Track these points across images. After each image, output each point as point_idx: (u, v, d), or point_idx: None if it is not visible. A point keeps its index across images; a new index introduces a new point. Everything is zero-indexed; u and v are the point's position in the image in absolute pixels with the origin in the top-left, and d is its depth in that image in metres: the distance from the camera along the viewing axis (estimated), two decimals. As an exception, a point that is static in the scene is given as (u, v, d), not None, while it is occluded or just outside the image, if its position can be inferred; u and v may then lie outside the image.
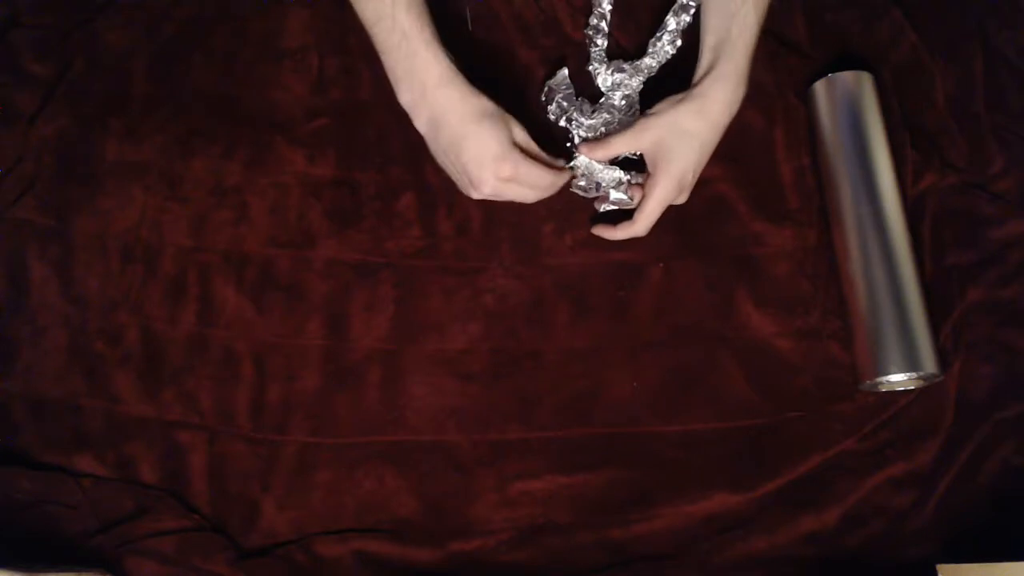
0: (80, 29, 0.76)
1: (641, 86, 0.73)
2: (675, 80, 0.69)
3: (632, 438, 0.66)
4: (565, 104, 0.72)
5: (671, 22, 0.74)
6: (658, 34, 0.74)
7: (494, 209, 0.71)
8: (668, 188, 0.65)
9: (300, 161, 0.72)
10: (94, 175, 0.71)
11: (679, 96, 0.66)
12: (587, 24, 0.76)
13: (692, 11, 0.74)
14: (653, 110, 0.67)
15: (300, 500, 0.64)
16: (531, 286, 0.69)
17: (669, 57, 0.74)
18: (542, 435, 0.66)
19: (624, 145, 0.67)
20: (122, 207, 0.70)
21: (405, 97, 0.63)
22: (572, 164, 0.69)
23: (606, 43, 0.75)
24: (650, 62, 0.73)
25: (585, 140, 0.71)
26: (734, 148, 0.72)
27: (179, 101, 0.74)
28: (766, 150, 0.74)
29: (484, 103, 0.62)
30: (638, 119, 0.67)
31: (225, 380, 0.66)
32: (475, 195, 0.65)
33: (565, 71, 0.74)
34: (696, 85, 0.66)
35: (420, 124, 0.64)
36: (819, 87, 0.73)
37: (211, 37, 0.76)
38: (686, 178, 0.65)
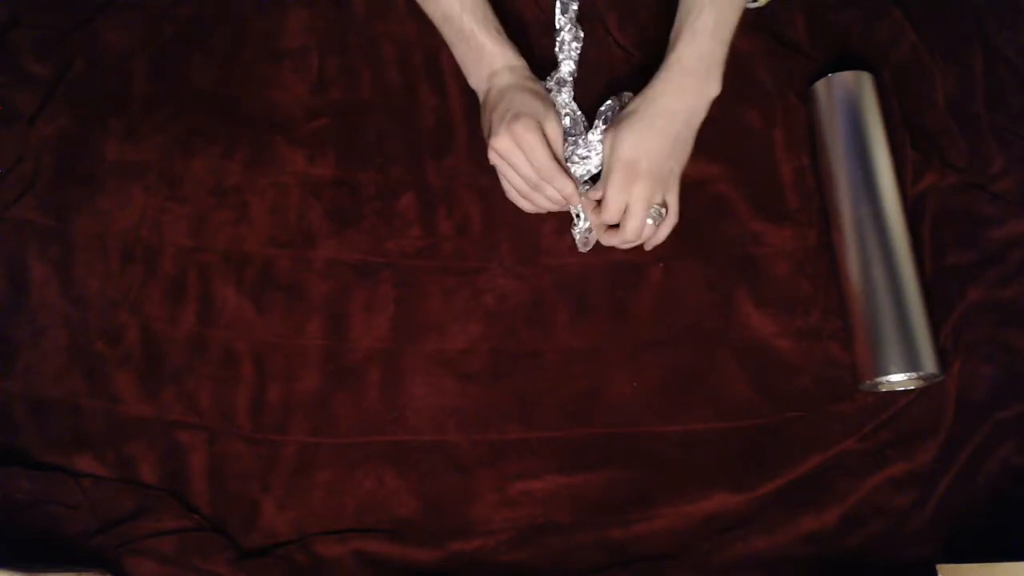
0: (80, 29, 0.76)
1: (572, 97, 0.71)
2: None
3: (632, 438, 0.66)
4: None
5: (560, 19, 0.74)
6: (555, 36, 0.73)
7: (494, 209, 0.71)
8: (619, 177, 0.63)
9: (300, 161, 0.72)
10: (94, 175, 0.71)
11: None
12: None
13: None
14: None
15: (300, 500, 0.64)
16: (531, 286, 0.69)
17: (580, 49, 0.73)
18: (542, 435, 0.66)
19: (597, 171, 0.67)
20: (122, 207, 0.70)
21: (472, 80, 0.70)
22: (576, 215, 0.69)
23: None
24: (567, 68, 0.72)
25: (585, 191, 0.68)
26: (734, 148, 0.72)
27: (179, 101, 0.74)
28: (766, 150, 0.74)
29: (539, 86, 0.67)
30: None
31: (225, 380, 0.66)
32: (491, 145, 0.64)
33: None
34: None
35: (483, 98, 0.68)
36: (819, 87, 0.73)
37: (211, 37, 0.76)
38: (638, 164, 0.62)
